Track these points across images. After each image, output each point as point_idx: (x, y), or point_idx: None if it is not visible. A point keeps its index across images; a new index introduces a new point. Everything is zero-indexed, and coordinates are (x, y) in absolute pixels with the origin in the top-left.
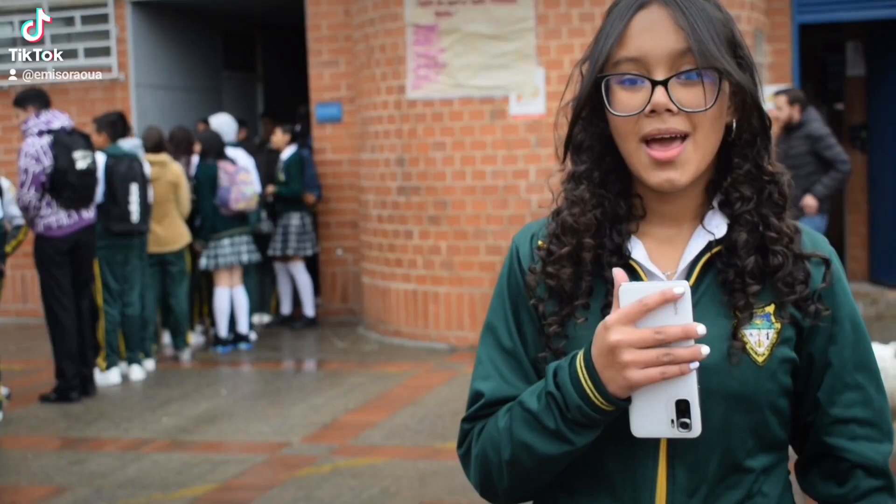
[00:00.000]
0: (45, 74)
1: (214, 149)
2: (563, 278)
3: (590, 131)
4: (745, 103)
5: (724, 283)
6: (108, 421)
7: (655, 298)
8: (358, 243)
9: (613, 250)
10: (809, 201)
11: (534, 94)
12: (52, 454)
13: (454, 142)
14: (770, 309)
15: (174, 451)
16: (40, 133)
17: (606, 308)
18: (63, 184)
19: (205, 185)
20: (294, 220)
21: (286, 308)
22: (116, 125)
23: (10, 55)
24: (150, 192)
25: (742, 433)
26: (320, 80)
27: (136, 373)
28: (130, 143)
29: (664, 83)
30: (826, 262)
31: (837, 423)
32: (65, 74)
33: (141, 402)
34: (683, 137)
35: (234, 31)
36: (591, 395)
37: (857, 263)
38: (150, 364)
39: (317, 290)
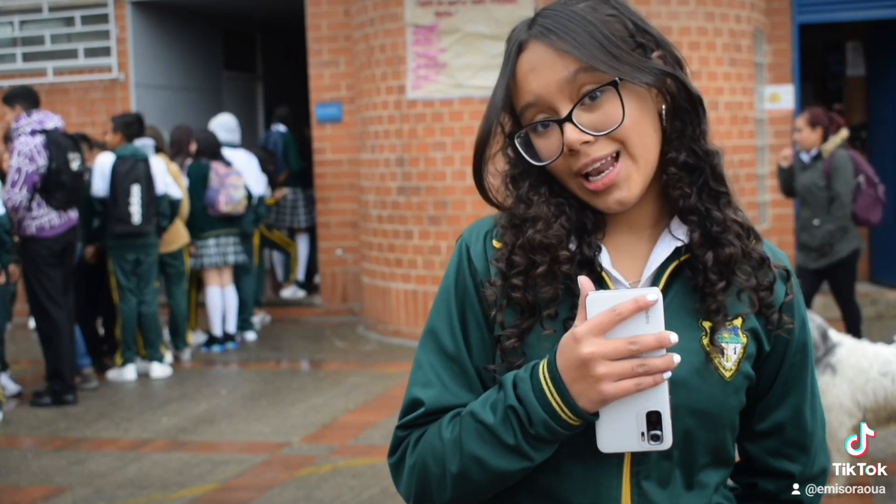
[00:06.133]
0: (45, 74)
1: (209, 149)
2: (548, 297)
3: (521, 166)
4: (669, 86)
5: (695, 288)
6: (108, 421)
7: (629, 306)
8: (358, 243)
9: (583, 262)
10: None
11: None
12: (52, 454)
13: (454, 142)
14: (738, 322)
15: (174, 451)
16: (33, 132)
17: (569, 321)
18: (57, 184)
19: (196, 184)
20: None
21: (301, 274)
22: (132, 126)
23: (10, 55)
24: (158, 192)
25: (702, 450)
26: (320, 80)
27: (157, 370)
28: (142, 143)
29: (568, 119)
30: (787, 274)
31: (762, 435)
32: (65, 74)
33: (141, 402)
34: (616, 156)
35: (234, 31)
36: (558, 409)
37: None
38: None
39: (316, 289)
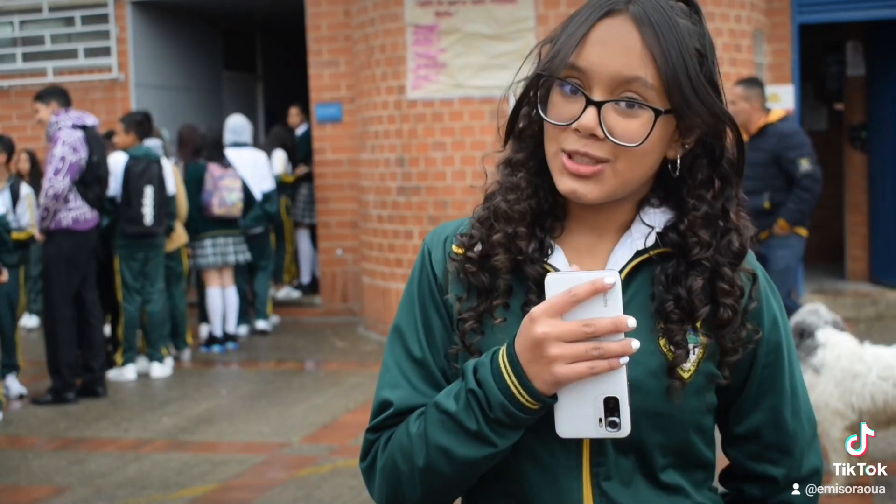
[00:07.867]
0: (45, 74)
1: (205, 149)
2: (498, 266)
3: (533, 119)
4: (707, 140)
5: (660, 311)
6: (108, 421)
7: (585, 289)
8: (358, 243)
9: (534, 249)
10: None
11: None
12: (52, 454)
13: (454, 142)
14: (697, 322)
15: (174, 451)
16: (73, 126)
17: (527, 306)
18: (94, 178)
19: (191, 185)
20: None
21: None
22: (143, 125)
23: (10, 55)
24: (170, 193)
25: (659, 452)
26: (320, 80)
27: (157, 370)
28: (151, 143)
29: (599, 105)
30: (754, 278)
31: (741, 439)
32: (65, 74)
33: (141, 402)
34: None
35: (234, 31)
36: (515, 392)
37: (857, 263)
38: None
39: (316, 289)
